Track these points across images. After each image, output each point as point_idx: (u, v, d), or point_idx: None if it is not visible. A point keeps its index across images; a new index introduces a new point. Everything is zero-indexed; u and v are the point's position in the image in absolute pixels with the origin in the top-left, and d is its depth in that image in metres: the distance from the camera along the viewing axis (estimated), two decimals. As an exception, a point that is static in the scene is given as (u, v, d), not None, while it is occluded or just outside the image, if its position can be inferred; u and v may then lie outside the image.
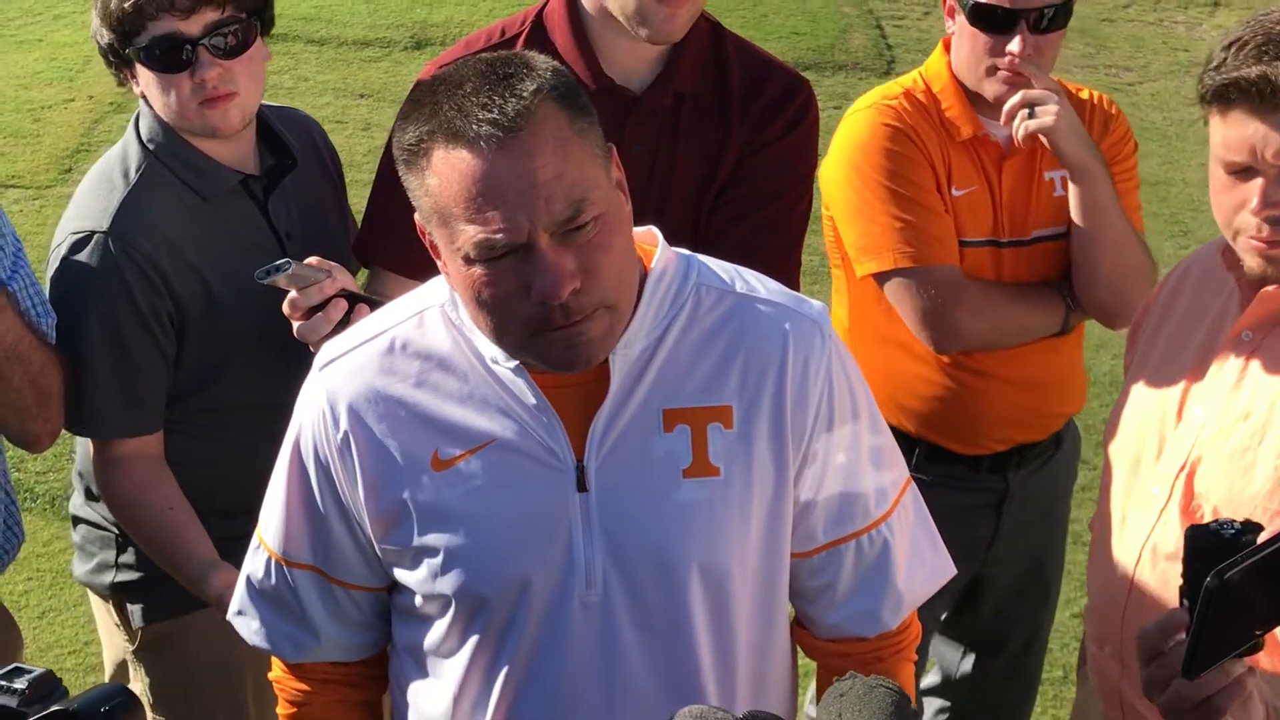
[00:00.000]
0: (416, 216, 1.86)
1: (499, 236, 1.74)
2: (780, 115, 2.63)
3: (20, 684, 1.50)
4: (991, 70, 2.91)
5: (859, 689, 1.46)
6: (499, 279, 1.77)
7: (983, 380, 3.05)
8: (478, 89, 1.75)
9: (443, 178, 1.76)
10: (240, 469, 2.48)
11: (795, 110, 2.65)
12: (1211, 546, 1.72)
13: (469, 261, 1.77)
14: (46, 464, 5.03)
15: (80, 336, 2.58)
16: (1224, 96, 2.10)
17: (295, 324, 2.45)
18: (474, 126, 1.73)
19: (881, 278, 2.95)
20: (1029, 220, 2.99)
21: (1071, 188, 2.92)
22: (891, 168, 2.93)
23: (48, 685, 1.50)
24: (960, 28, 2.94)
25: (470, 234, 1.75)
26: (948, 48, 3.01)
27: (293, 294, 2.43)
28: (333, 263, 2.48)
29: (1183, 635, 1.78)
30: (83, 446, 2.79)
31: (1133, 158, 3.08)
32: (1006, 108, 2.90)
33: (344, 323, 2.41)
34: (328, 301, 2.43)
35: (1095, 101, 3.06)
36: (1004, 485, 3.16)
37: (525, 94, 1.74)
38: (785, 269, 2.57)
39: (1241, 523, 1.74)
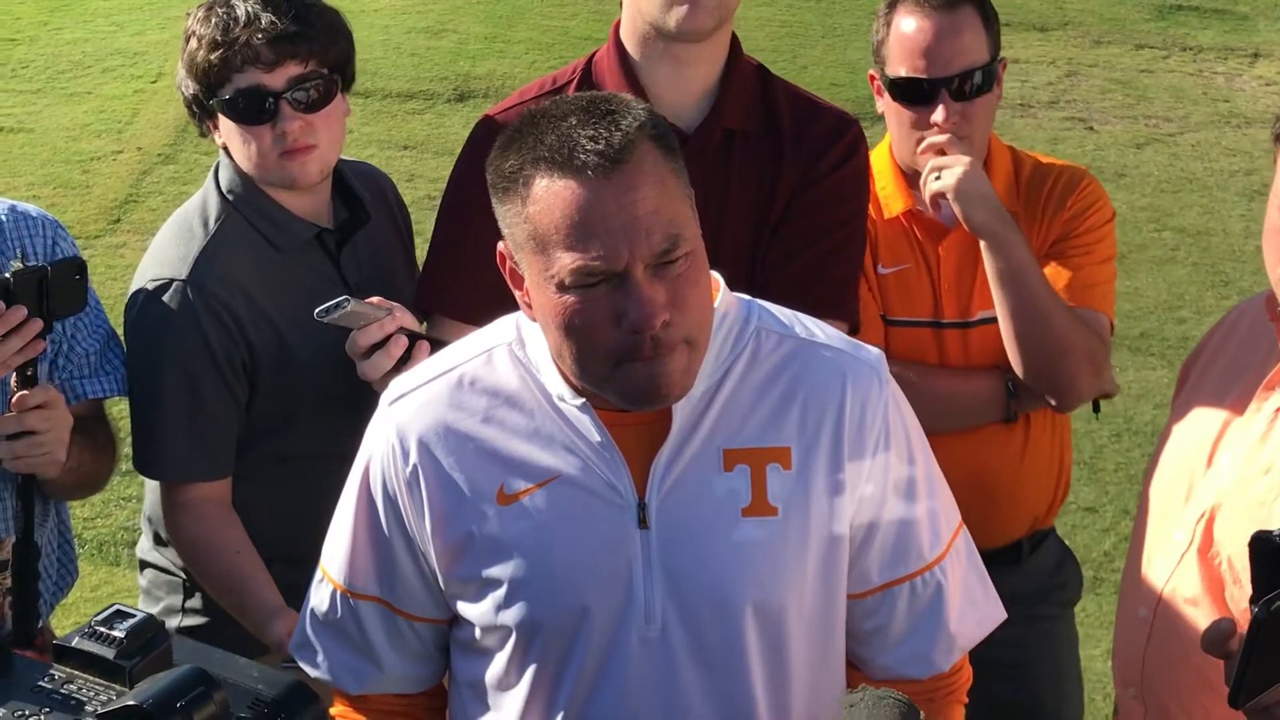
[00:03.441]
0: (501, 245, 1.90)
1: (598, 264, 1.78)
2: (830, 151, 2.64)
3: (119, 631, 1.38)
4: (920, 144, 2.85)
5: (869, 700, 1.48)
6: (591, 307, 1.81)
7: None
8: (583, 122, 1.80)
9: (544, 205, 1.80)
10: (308, 517, 2.50)
11: (845, 146, 2.65)
12: (1272, 552, 1.75)
13: (562, 289, 1.81)
14: (95, 510, 5.08)
15: (155, 381, 2.62)
16: None
17: (357, 362, 2.48)
18: (580, 156, 1.78)
19: None
20: (973, 301, 2.90)
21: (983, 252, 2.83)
22: None
23: (148, 633, 1.39)
24: (886, 105, 2.90)
25: (568, 261, 1.79)
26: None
27: (354, 332, 2.46)
28: (393, 302, 2.51)
29: (1239, 638, 1.80)
30: (151, 492, 2.82)
31: (1098, 232, 2.93)
32: (923, 178, 2.83)
33: (404, 361, 2.44)
34: (388, 339, 2.46)
35: (1061, 174, 2.96)
36: None
37: (630, 129, 1.80)
38: (840, 304, 2.58)
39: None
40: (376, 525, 2.02)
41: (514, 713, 2.01)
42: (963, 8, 2.83)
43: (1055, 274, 2.89)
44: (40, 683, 1.37)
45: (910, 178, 2.92)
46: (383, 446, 2.00)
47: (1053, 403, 2.89)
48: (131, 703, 1.28)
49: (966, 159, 2.79)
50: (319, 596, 2.09)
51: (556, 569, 1.93)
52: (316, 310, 2.42)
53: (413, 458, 1.97)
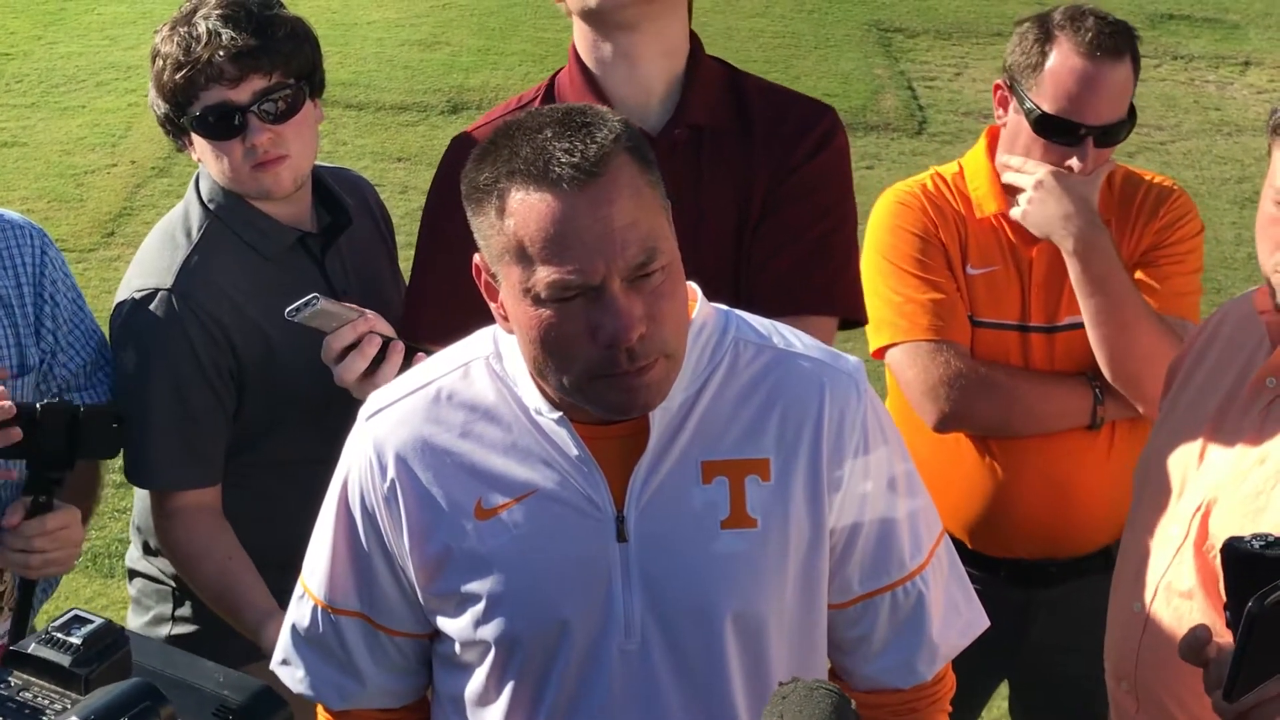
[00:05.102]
0: (476, 257, 1.90)
1: (574, 278, 1.77)
2: (804, 140, 2.56)
3: (76, 638, 1.36)
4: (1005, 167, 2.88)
5: (800, 691, 1.48)
6: (567, 320, 1.80)
7: (1001, 473, 2.94)
8: (558, 134, 1.79)
9: (520, 218, 1.79)
10: (297, 523, 2.51)
11: (820, 134, 2.57)
12: (1243, 558, 1.76)
13: (539, 302, 1.80)
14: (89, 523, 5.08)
15: (143, 390, 2.63)
16: None
17: (332, 368, 2.47)
18: (556, 169, 1.77)
19: (883, 352, 2.94)
20: (1062, 306, 2.90)
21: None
22: (895, 245, 2.92)
23: (105, 639, 1.37)
24: (1016, 126, 2.90)
25: (544, 275, 1.78)
26: (990, 136, 2.99)
27: (327, 337, 2.46)
28: (366, 309, 2.51)
29: (1214, 645, 1.81)
30: (140, 501, 2.83)
31: (1189, 243, 2.95)
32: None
33: (379, 361, 2.44)
34: (361, 340, 2.45)
35: (1152, 186, 2.98)
36: (1023, 600, 3.01)
37: (605, 141, 1.79)
38: (830, 298, 2.52)
39: (1275, 537, 1.77)
40: (356, 540, 2.02)
41: (496, 727, 2.01)
42: (1124, 59, 2.83)
43: (1146, 282, 2.90)
44: None
45: (1007, 183, 2.93)
46: (360, 461, 2.00)
47: (1140, 410, 2.88)
48: (74, 719, 1.27)
49: (1033, 179, 2.82)
50: (300, 612, 2.09)
51: (535, 583, 1.93)
52: (287, 310, 2.42)
53: (390, 472, 1.97)
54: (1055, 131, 2.84)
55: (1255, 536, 1.80)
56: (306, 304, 2.41)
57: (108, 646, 1.37)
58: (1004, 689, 3.41)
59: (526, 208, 1.79)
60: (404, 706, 2.13)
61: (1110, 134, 2.85)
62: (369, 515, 2.00)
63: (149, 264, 2.67)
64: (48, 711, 1.32)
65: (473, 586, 1.95)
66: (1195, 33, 10.20)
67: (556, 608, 1.93)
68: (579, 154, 1.77)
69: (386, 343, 2.48)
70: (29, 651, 1.36)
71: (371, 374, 2.45)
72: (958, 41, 9.87)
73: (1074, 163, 2.83)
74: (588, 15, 2.50)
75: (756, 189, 2.54)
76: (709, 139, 2.55)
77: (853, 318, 2.60)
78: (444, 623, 2.00)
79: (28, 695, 1.34)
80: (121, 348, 2.66)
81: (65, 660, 1.35)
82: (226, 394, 2.65)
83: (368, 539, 2.01)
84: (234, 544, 2.66)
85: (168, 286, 2.61)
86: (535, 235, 1.78)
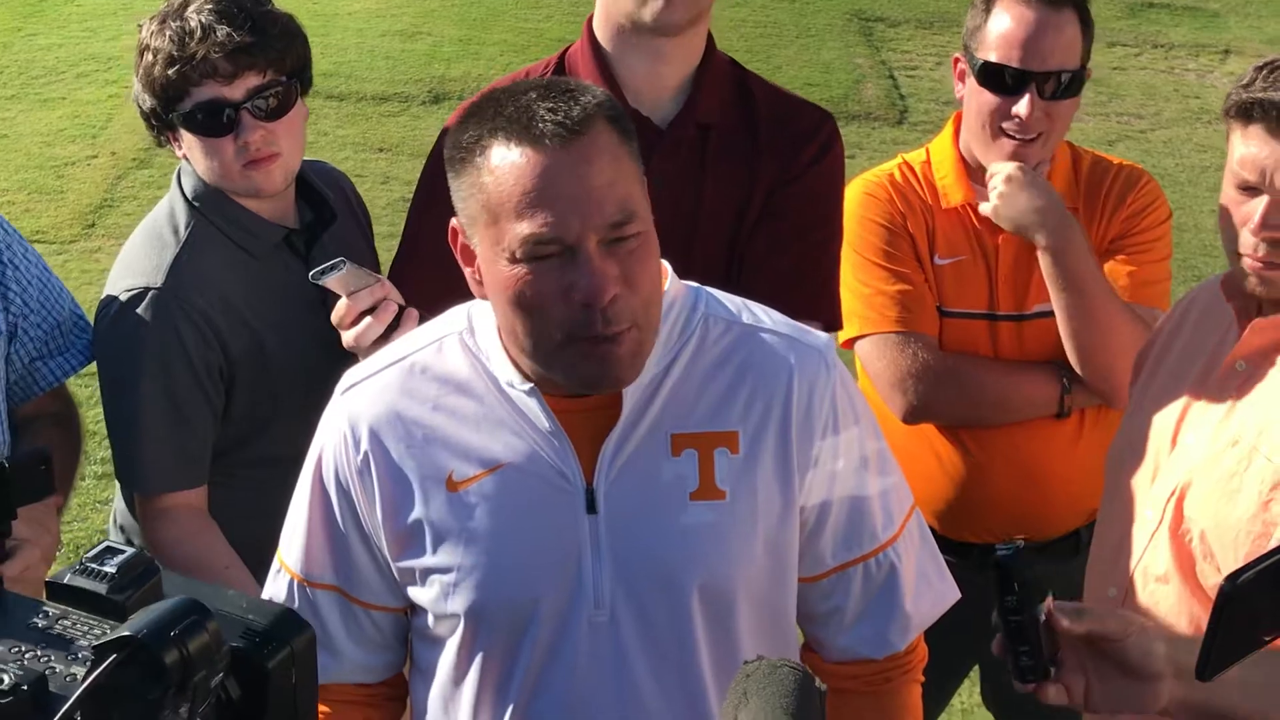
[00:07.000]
0: (454, 221, 1.91)
1: (548, 231, 1.78)
2: (808, 146, 2.61)
3: (110, 567, 1.35)
4: (997, 134, 2.86)
5: (764, 668, 1.49)
6: (542, 279, 1.81)
7: (971, 459, 2.96)
8: (542, 96, 1.82)
9: (499, 174, 1.81)
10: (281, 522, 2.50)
11: (823, 141, 2.63)
12: (992, 565, 1.82)
13: (514, 260, 1.82)
14: (71, 514, 5.07)
15: (133, 391, 2.59)
16: (1246, 113, 2.16)
17: (345, 332, 2.46)
18: (539, 125, 1.79)
19: (852, 343, 2.94)
20: (1029, 294, 2.91)
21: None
22: (863, 235, 2.92)
23: (139, 567, 1.37)
24: (969, 89, 2.90)
25: (521, 229, 1.79)
26: (958, 122, 2.98)
27: (343, 299, 2.45)
28: (379, 274, 2.50)
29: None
30: (122, 500, 2.79)
31: (1156, 230, 2.95)
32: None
33: (394, 328, 2.44)
34: (378, 305, 2.45)
35: (1119, 172, 2.98)
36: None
37: (588, 105, 1.82)
38: (818, 306, 2.56)
39: (1020, 544, 1.83)
40: (330, 514, 2.03)
41: (468, 698, 2.03)
42: (1066, 8, 2.82)
43: (1114, 271, 2.90)
44: (34, 620, 1.37)
45: (973, 170, 2.93)
46: (335, 436, 2.01)
47: (1107, 401, 2.89)
48: (126, 633, 1.25)
49: (1001, 174, 2.81)
50: (276, 587, 2.10)
51: (505, 555, 1.94)
52: (312, 272, 2.40)
53: (364, 446, 1.98)
54: (997, 79, 2.83)
55: (1002, 545, 1.85)
56: (333, 267, 2.40)
57: (141, 574, 1.37)
58: (974, 674, 3.42)
59: (507, 163, 1.81)
60: (381, 682, 2.14)
61: (1057, 86, 2.82)
62: (343, 489, 2.01)
63: (136, 263, 2.62)
64: (86, 638, 1.33)
65: (443, 559, 1.96)
66: (1175, 21, 10.24)
67: (526, 579, 1.94)
68: (562, 113, 1.80)
69: (400, 310, 2.47)
70: (65, 582, 1.37)
71: (385, 340, 2.42)
72: (939, 31, 9.89)
73: (1019, 109, 2.81)
74: (638, 27, 2.52)
75: (758, 187, 2.59)
76: (714, 136, 2.60)
77: (831, 326, 2.63)
78: (415, 594, 2.01)
79: (66, 624, 1.36)
80: (110, 348, 2.62)
81: (102, 588, 1.35)
82: (216, 394, 2.62)
83: (342, 513, 2.02)
84: (227, 550, 2.62)
85: (158, 286, 2.56)
86: (514, 190, 1.80)
